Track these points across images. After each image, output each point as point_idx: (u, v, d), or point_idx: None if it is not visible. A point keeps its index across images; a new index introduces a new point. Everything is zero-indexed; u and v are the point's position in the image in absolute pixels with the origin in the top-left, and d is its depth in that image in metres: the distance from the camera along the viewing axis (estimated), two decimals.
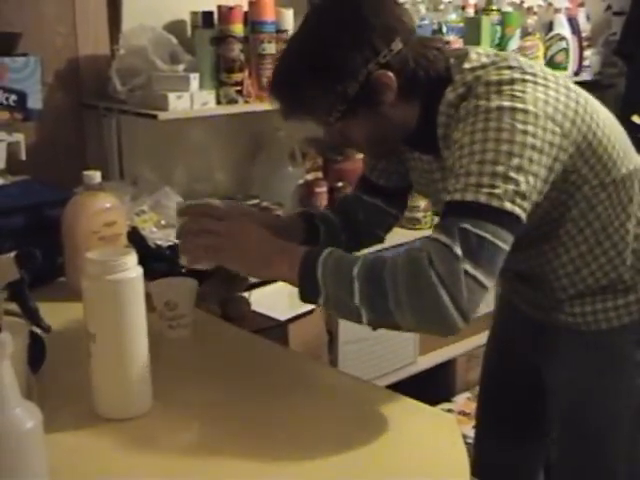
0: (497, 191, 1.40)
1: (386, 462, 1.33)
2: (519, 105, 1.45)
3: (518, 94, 1.48)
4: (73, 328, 1.46)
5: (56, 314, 1.85)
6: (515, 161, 1.42)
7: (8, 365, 1.04)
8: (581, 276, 1.69)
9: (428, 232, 3.11)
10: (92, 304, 1.38)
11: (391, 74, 1.54)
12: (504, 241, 1.39)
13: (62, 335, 1.72)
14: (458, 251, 1.35)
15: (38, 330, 1.57)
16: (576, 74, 3.98)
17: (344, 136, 1.66)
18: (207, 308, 1.97)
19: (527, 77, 1.51)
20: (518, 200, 1.41)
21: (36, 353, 1.55)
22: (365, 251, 1.92)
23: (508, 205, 1.40)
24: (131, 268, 1.38)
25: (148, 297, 1.61)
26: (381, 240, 2.04)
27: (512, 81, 1.50)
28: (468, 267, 1.35)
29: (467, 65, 1.57)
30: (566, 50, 3.91)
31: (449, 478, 1.30)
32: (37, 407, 1.09)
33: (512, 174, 1.41)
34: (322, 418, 1.45)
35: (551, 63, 3.91)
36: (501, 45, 3.65)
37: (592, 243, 1.65)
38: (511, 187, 1.41)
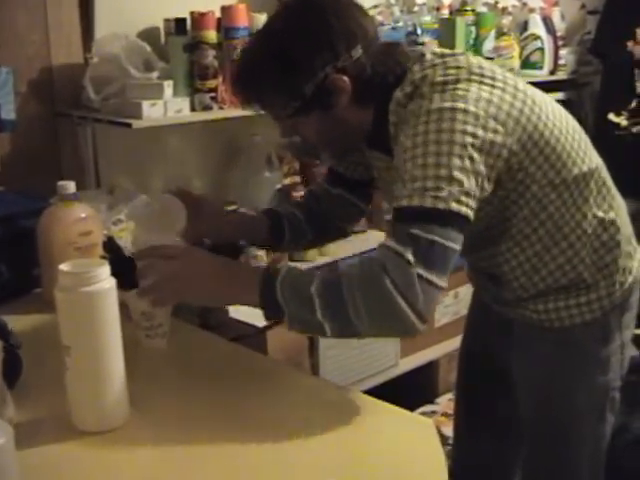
0: (442, 194, 1.42)
1: (364, 468, 1.33)
2: (460, 105, 1.48)
3: (460, 93, 1.51)
4: (50, 340, 1.44)
5: (32, 326, 1.85)
6: (456, 162, 1.44)
7: None
8: (540, 276, 1.71)
9: None
10: (66, 316, 1.37)
11: (347, 79, 1.57)
12: (453, 241, 1.43)
13: (38, 348, 1.70)
14: (410, 257, 1.38)
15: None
16: (552, 73, 3.98)
17: (297, 133, 1.69)
18: (185, 317, 1.95)
19: (473, 77, 1.55)
20: (463, 199, 1.44)
21: (12, 367, 1.54)
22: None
23: (454, 206, 1.43)
24: (105, 279, 1.37)
25: (124, 307, 1.60)
26: (346, 234, 2.10)
27: (457, 81, 1.53)
28: (421, 271, 1.38)
29: (417, 67, 1.60)
30: (541, 49, 3.92)
31: None
32: (7, 423, 1.08)
33: (455, 174, 1.44)
34: (301, 426, 1.43)
35: (527, 63, 3.92)
36: (476, 46, 3.65)
37: (547, 243, 1.67)
38: (455, 188, 1.43)
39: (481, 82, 1.54)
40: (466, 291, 3.37)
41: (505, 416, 2.03)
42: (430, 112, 1.49)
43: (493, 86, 1.55)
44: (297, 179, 3.31)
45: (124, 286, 1.79)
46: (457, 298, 3.47)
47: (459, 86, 1.52)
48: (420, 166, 1.45)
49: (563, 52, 4.05)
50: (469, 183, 1.45)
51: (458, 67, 1.57)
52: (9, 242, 2.06)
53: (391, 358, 3.27)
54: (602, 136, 3.49)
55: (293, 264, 1.49)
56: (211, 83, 2.75)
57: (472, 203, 1.46)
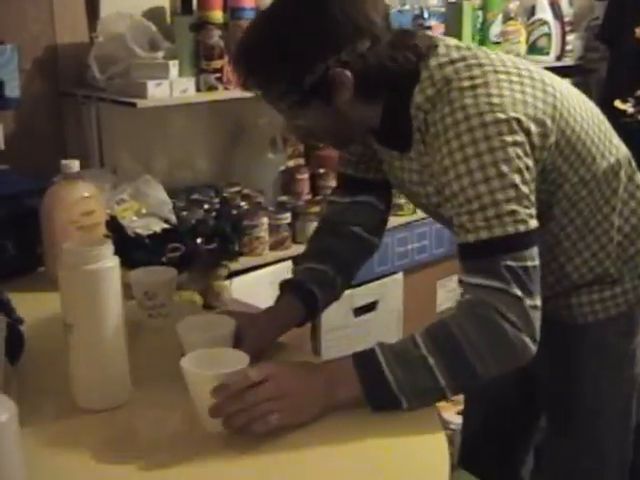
0: (519, 216, 1.41)
1: (363, 453, 1.32)
2: (501, 116, 1.43)
3: (496, 100, 1.45)
4: (52, 319, 1.45)
5: (35, 305, 1.84)
6: (517, 177, 1.42)
7: None
8: (565, 272, 1.68)
9: (410, 218, 3.12)
10: (69, 295, 1.37)
11: (349, 74, 1.49)
12: (536, 257, 1.44)
13: (41, 326, 1.71)
14: (517, 292, 1.39)
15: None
16: (558, 59, 3.97)
17: (297, 123, 1.64)
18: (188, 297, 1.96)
19: (501, 77, 1.49)
20: (533, 211, 1.44)
21: (14, 345, 1.54)
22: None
23: (532, 223, 1.43)
24: (107, 258, 1.37)
25: (127, 286, 1.60)
26: (376, 248, 1.91)
27: (486, 84, 1.47)
28: (529, 301, 1.40)
29: (434, 62, 1.53)
30: (548, 35, 3.90)
31: (428, 468, 1.29)
32: (11, 400, 1.08)
33: (521, 190, 1.42)
34: None
35: (533, 48, 3.91)
36: (483, 30, 3.64)
37: (575, 239, 1.64)
38: (526, 204, 1.43)
39: (510, 81, 1.49)
40: None
41: (518, 404, 2.01)
42: (473, 130, 1.43)
43: (522, 83, 1.50)
44: (301, 161, 3.31)
45: (127, 265, 1.80)
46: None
47: (492, 91, 1.46)
48: (487, 193, 1.41)
49: (570, 38, 4.03)
50: (530, 193, 1.45)
51: (481, 65, 1.51)
52: (13, 221, 2.05)
53: (393, 341, 3.25)
54: (609, 122, 3.48)
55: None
56: (217, 63, 2.74)
57: (534, 211, 1.46)
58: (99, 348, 1.39)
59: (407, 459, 1.31)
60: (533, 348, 1.41)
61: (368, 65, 1.50)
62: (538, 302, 1.42)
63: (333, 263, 1.79)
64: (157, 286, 1.75)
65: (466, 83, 1.48)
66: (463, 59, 1.52)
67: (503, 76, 1.49)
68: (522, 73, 1.52)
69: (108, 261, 1.36)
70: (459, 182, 1.44)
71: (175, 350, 1.48)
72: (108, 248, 1.37)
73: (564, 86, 1.61)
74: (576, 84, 3.90)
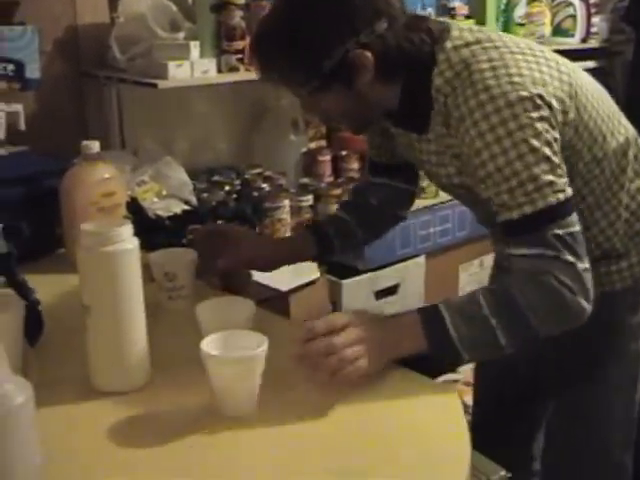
0: (557, 187, 1.46)
1: (385, 436, 1.31)
2: (524, 94, 1.46)
3: (517, 79, 1.48)
4: (71, 300, 1.44)
5: (55, 286, 1.84)
6: (547, 150, 1.46)
7: None
8: None
9: (433, 201, 3.10)
10: (87, 276, 1.36)
11: (369, 55, 1.51)
12: (578, 222, 1.49)
13: (60, 307, 1.71)
14: (569, 257, 1.45)
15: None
16: (583, 41, 3.93)
17: (317, 108, 1.66)
18: (208, 280, 1.94)
19: (518, 57, 1.52)
20: (564, 179, 1.48)
21: (33, 326, 1.54)
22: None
23: (569, 190, 1.48)
24: (127, 239, 1.35)
25: (148, 268, 1.59)
26: (403, 219, 2.03)
27: (506, 66, 1.50)
28: (580, 265, 1.46)
29: (449, 44, 1.55)
30: (573, 17, 3.87)
31: (449, 454, 1.27)
32: (28, 382, 1.07)
33: (554, 161, 1.46)
34: (322, 390, 1.41)
35: (558, 30, 3.87)
36: (507, 12, 3.60)
37: (585, 216, 1.65)
38: (559, 173, 1.47)
39: (527, 61, 1.52)
40: (492, 260, 3.35)
41: (527, 382, 2.01)
42: (500, 110, 1.46)
43: (538, 62, 1.53)
44: (323, 143, 3.29)
45: (147, 247, 1.79)
46: (482, 266, 3.45)
47: (511, 71, 1.49)
48: (523, 169, 1.45)
49: (595, 20, 3.99)
50: (561, 162, 1.49)
51: (497, 47, 1.54)
52: (32, 202, 2.04)
53: None
54: (633, 106, 3.43)
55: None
56: (238, 44, 2.72)
57: (566, 178, 1.49)
58: (117, 330, 1.38)
59: (427, 444, 1.30)
60: (588, 309, 1.47)
61: (387, 46, 1.52)
62: (588, 265, 1.47)
63: (355, 216, 1.92)
64: (177, 267, 1.74)
65: (485, 65, 1.50)
66: (478, 42, 1.55)
67: (519, 56, 1.52)
68: (536, 53, 1.56)
69: (127, 243, 1.35)
70: (494, 162, 1.47)
71: (195, 333, 1.47)
72: (127, 229, 1.36)
73: (573, 66, 1.64)
74: (601, 67, 3.91)
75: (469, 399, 2.86)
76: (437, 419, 1.37)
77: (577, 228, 1.48)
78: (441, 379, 3.36)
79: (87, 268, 1.35)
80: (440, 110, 1.56)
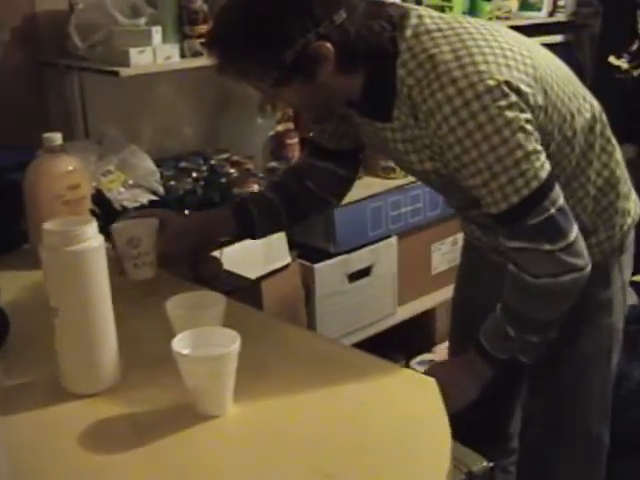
0: (529, 173, 1.49)
1: (365, 428, 1.30)
2: (490, 82, 1.48)
3: (482, 67, 1.48)
4: (38, 298, 1.40)
5: (21, 284, 1.81)
6: (521, 136, 1.49)
7: None
8: None
9: (403, 181, 3.08)
10: (53, 277, 1.32)
11: (330, 45, 1.50)
12: (559, 197, 1.54)
13: (27, 306, 1.68)
14: (546, 246, 1.53)
15: None
16: (550, 15, 3.89)
17: (278, 99, 1.71)
18: (178, 270, 1.91)
19: (481, 43, 1.53)
20: (542, 158, 1.52)
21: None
22: None
23: (542, 174, 1.51)
24: (92, 237, 1.32)
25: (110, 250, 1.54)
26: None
27: (470, 54, 1.50)
28: (560, 245, 1.53)
29: (409, 32, 1.55)
30: None
31: (429, 446, 1.26)
32: None
33: (527, 148, 1.49)
34: (299, 384, 1.41)
35: (525, 4, 3.83)
36: None
37: None
38: (533, 158, 1.50)
39: (491, 47, 1.53)
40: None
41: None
42: (469, 103, 1.47)
43: (502, 47, 1.54)
44: (290, 126, 3.24)
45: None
46: (455, 245, 3.43)
47: (476, 59, 1.49)
48: (496, 161, 1.48)
49: None
50: (536, 144, 1.51)
51: (458, 34, 1.54)
52: None
53: (388, 307, 3.24)
54: (602, 80, 3.43)
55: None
56: (201, 28, 2.66)
57: (543, 157, 1.52)
58: (87, 331, 1.34)
59: (408, 434, 1.29)
60: (582, 274, 1.58)
61: (347, 36, 1.51)
62: (571, 237, 1.54)
63: (282, 197, 1.93)
64: (140, 233, 1.76)
65: (449, 56, 1.50)
66: (439, 29, 1.55)
67: (482, 42, 1.53)
68: (498, 39, 1.56)
69: (92, 241, 1.31)
70: (468, 155, 1.50)
71: (166, 329, 1.44)
72: (92, 227, 1.32)
73: (535, 46, 1.66)
74: (568, 41, 3.90)
75: None
76: (416, 410, 1.35)
77: (557, 205, 1.52)
78: (416, 360, 3.38)
79: (52, 269, 1.32)
80: (405, 101, 1.56)
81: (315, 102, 1.63)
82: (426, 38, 1.54)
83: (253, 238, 1.99)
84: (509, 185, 1.49)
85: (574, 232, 1.55)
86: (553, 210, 1.52)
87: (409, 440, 1.27)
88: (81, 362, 1.37)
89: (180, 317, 1.44)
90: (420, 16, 1.57)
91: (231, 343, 1.28)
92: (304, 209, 1.99)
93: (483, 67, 1.48)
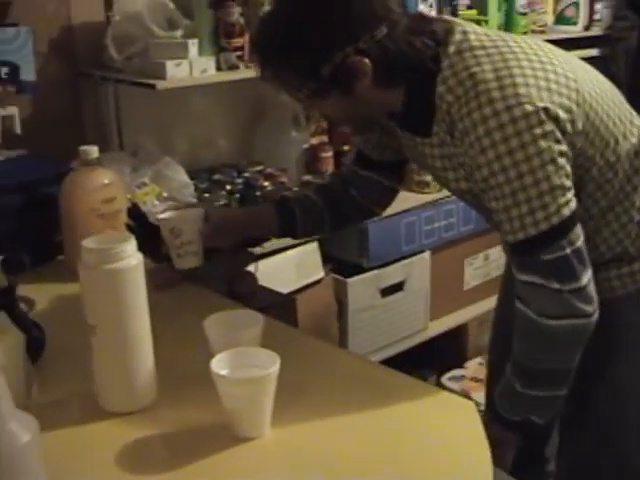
0: (552, 209, 1.45)
1: (403, 454, 1.27)
2: (529, 108, 1.45)
3: (522, 91, 1.45)
4: (73, 311, 1.39)
5: (56, 296, 1.81)
6: (551, 168, 1.45)
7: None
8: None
9: (437, 196, 3.06)
10: (90, 295, 1.31)
11: (367, 61, 1.50)
12: (578, 238, 1.49)
13: (62, 319, 1.67)
14: (555, 285, 1.48)
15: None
16: (586, 29, 3.87)
17: (316, 110, 1.69)
18: (213, 285, 1.90)
19: (524, 64, 1.50)
20: (569, 196, 1.47)
21: (35, 342, 1.49)
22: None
23: (565, 211, 1.47)
24: (131, 255, 1.31)
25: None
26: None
27: (511, 75, 1.47)
28: (570, 287, 1.48)
29: (452, 48, 1.53)
30: (576, 4, 3.80)
31: (470, 468, 1.25)
32: (33, 417, 1.02)
33: (554, 182, 1.45)
34: (336, 406, 1.39)
35: (561, 18, 3.82)
36: (509, 1, 3.53)
37: (597, 219, 1.64)
38: (558, 194, 1.46)
39: (533, 68, 1.50)
40: (497, 254, 3.32)
41: None
42: (503, 126, 1.44)
43: (545, 70, 1.51)
44: (324, 139, 3.23)
45: (150, 254, 1.75)
46: (487, 260, 3.42)
47: (517, 80, 1.47)
48: (520, 189, 1.45)
49: (598, 6, 3.92)
50: (565, 179, 1.47)
51: (502, 54, 1.51)
52: (30, 208, 2.01)
53: (420, 322, 3.22)
54: (637, 93, 3.38)
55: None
56: (237, 41, 2.66)
57: (570, 195, 1.48)
58: (124, 350, 1.33)
59: (447, 458, 1.27)
60: (587, 322, 1.52)
61: (386, 52, 1.51)
62: (583, 281, 1.49)
63: (326, 200, 1.91)
64: (181, 223, 1.78)
65: (490, 75, 1.48)
66: (483, 47, 1.53)
67: (525, 63, 1.50)
68: (543, 59, 1.53)
69: (131, 259, 1.30)
70: (495, 178, 1.47)
71: (202, 348, 1.43)
72: (131, 245, 1.31)
73: (582, 68, 1.62)
74: (604, 54, 3.86)
75: (479, 395, 2.84)
76: (455, 435, 1.33)
77: (574, 247, 1.48)
78: (448, 375, 3.35)
79: (90, 287, 1.31)
80: (443, 117, 1.55)
81: (352, 115, 1.63)
82: (469, 55, 1.51)
83: (294, 237, 1.99)
84: (529, 216, 1.46)
85: (587, 277, 1.50)
86: (569, 250, 1.48)
87: (448, 466, 1.25)
88: (117, 381, 1.36)
89: (218, 336, 1.42)
90: (465, 32, 1.55)
91: (271, 364, 1.26)
92: (347, 215, 1.98)
93: (523, 90, 1.45)
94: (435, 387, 1.50)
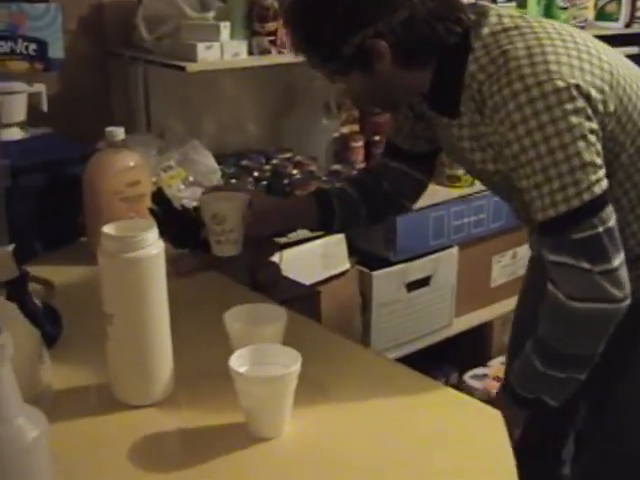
0: (583, 185, 1.43)
1: (426, 461, 1.24)
2: (560, 84, 1.43)
3: (553, 67, 1.44)
4: (94, 295, 1.34)
5: (76, 279, 1.80)
6: (581, 144, 1.43)
7: (8, 371, 0.92)
8: None
9: (468, 191, 3.01)
10: (109, 283, 1.27)
11: (385, 44, 1.51)
12: (610, 217, 1.46)
13: (82, 303, 1.63)
14: (586, 265, 1.45)
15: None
16: (628, 25, 3.80)
17: (341, 85, 1.69)
18: (236, 275, 1.86)
19: (557, 43, 1.49)
20: (600, 174, 1.45)
21: (51, 326, 1.46)
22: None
23: (597, 189, 1.44)
24: (152, 244, 1.26)
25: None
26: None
27: (544, 52, 1.47)
28: (601, 268, 1.45)
29: (486, 30, 1.54)
30: (618, 0, 3.73)
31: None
32: (41, 412, 0.98)
33: (585, 158, 1.43)
34: (358, 408, 1.35)
35: (602, 14, 3.76)
36: None
37: (627, 211, 1.61)
38: (590, 171, 1.43)
39: (566, 47, 1.49)
40: (524, 252, 3.25)
41: None
42: (534, 101, 1.42)
43: (578, 50, 1.49)
44: (356, 128, 3.18)
45: (171, 240, 1.71)
46: (515, 258, 3.37)
47: (549, 58, 1.46)
48: (552, 165, 1.43)
49: None
50: (596, 157, 1.45)
51: (535, 33, 1.51)
52: (54, 189, 1.98)
53: (445, 318, 3.17)
54: None
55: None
56: (271, 26, 2.61)
57: (601, 173, 1.46)
58: (141, 341, 1.29)
59: (471, 467, 1.23)
60: (617, 307, 1.48)
61: (405, 36, 1.51)
62: (614, 263, 1.46)
63: (361, 194, 1.89)
64: (225, 209, 1.72)
65: (522, 52, 1.47)
66: (516, 28, 1.53)
67: (559, 42, 1.50)
68: (577, 41, 1.52)
69: (152, 248, 1.26)
70: (525, 154, 1.46)
71: (222, 342, 1.39)
72: (152, 233, 1.27)
73: (616, 54, 1.61)
74: None
75: None
76: (480, 444, 1.29)
77: (606, 226, 1.46)
78: (470, 373, 3.31)
79: (109, 274, 1.27)
80: (473, 96, 1.54)
81: (374, 93, 1.64)
82: (503, 36, 1.52)
83: (329, 231, 2.01)
84: (560, 192, 1.43)
85: (619, 259, 1.47)
86: (601, 229, 1.45)
87: (473, 476, 1.21)
88: (134, 372, 1.32)
89: (239, 331, 1.38)
90: (500, 15, 1.56)
91: (292, 363, 1.22)
92: (381, 210, 1.96)
93: (554, 67, 1.44)
94: (461, 394, 1.45)
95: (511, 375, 1.64)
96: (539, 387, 1.60)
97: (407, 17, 1.50)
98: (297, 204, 1.99)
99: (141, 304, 1.27)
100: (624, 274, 1.48)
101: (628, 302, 1.48)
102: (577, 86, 1.43)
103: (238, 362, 1.24)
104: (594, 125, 1.45)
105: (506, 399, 1.64)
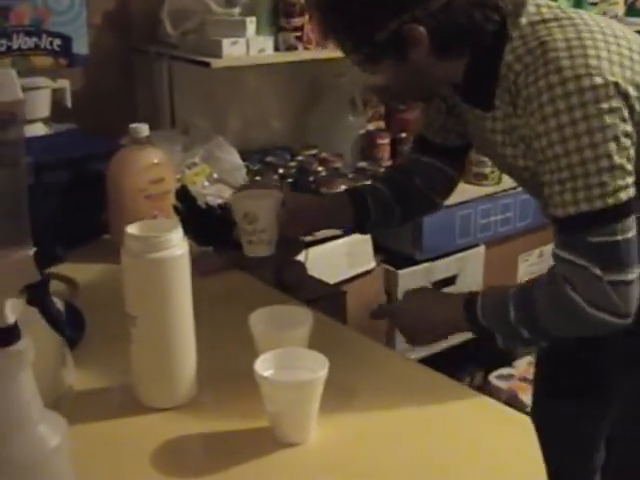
0: (608, 188, 1.37)
1: (452, 467, 1.21)
2: (598, 80, 1.37)
3: (593, 62, 1.39)
4: (117, 295, 1.33)
5: (99, 277, 1.78)
6: (612, 146, 1.38)
7: (29, 377, 0.90)
8: None
9: (494, 189, 2.98)
10: (132, 284, 1.25)
11: (423, 30, 1.46)
12: (631, 227, 1.40)
13: (105, 303, 1.60)
14: (597, 271, 1.38)
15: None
16: None
17: (372, 75, 1.65)
18: (260, 274, 1.84)
19: (597, 36, 1.44)
20: (629, 180, 1.39)
21: (72, 330, 1.43)
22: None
23: (622, 196, 1.38)
24: (176, 245, 1.24)
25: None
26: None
27: (583, 45, 1.41)
28: (612, 277, 1.38)
29: (524, 20, 1.49)
30: None
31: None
32: (62, 418, 0.96)
33: (615, 161, 1.37)
34: (385, 412, 1.33)
35: (632, 9, 3.74)
36: None
37: None
38: (617, 175, 1.38)
39: (606, 42, 1.43)
40: (551, 251, 3.22)
41: (590, 383, 1.91)
42: (569, 95, 1.37)
43: (619, 44, 1.44)
44: (382, 125, 3.16)
45: (195, 238, 1.69)
46: (541, 257, 3.34)
47: (589, 52, 1.40)
48: (579, 163, 1.37)
49: None
50: (626, 162, 1.39)
51: (575, 25, 1.45)
52: (77, 185, 1.97)
53: None
54: None
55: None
56: (297, 21, 2.60)
57: (630, 179, 1.40)
58: (165, 343, 1.27)
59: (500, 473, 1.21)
60: (616, 321, 1.41)
61: (443, 22, 1.47)
62: (628, 276, 1.40)
63: (395, 192, 1.85)
64: (257, 209, 1.68)
65: (561, 44, 1.42)
66: (556, 19, 1.48)
67: (599, 35, 1.44)
68: (617, 34, 1.47)
69: (177, 249, 1.24)
70: (552, 149, 1.40)
71: (247, 344, 1.36)
72: (177, 234, 1.25)
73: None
74: None
75: (526, 397, 2.77)
76: (510, 453, 1.26)
77: (625, 236, 1.39)
78: (495, 373, 3.28)
79: (132, 275, 1.25)
80: (508, 87, 1.49)
81: (405, 82, 1.60)
82: (541, 27, 1.47)
83: (362, 231, 1.94)
84: (584, 191, 1.38)
85: (634, 273, 1.41)
86: (620, 237, 1.39)
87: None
88: (157, 374, 1.30)
89: (264, 335, 1.35)
90: (538, 5, 1.51)
91: (319, 367, 1.20)
92: (414, 208, 1.92)
93: (594, 62, 1.39)
94: (490, 399, 1.42)
95: (481, 299, 1.54)
96: (499, 328, 1.52)
97: (445, 3, 1.45)
98: (331, 203, 1.94)
99: (165, 306, 1.25)
100: (635, 291, 1.42)
101: (629, 321, 1.42)
102: (616, 84, 1.39)
103: (263, 366, 1.21)
104: (629, 128, 1.40)
105: (463, 311, 1.55)
